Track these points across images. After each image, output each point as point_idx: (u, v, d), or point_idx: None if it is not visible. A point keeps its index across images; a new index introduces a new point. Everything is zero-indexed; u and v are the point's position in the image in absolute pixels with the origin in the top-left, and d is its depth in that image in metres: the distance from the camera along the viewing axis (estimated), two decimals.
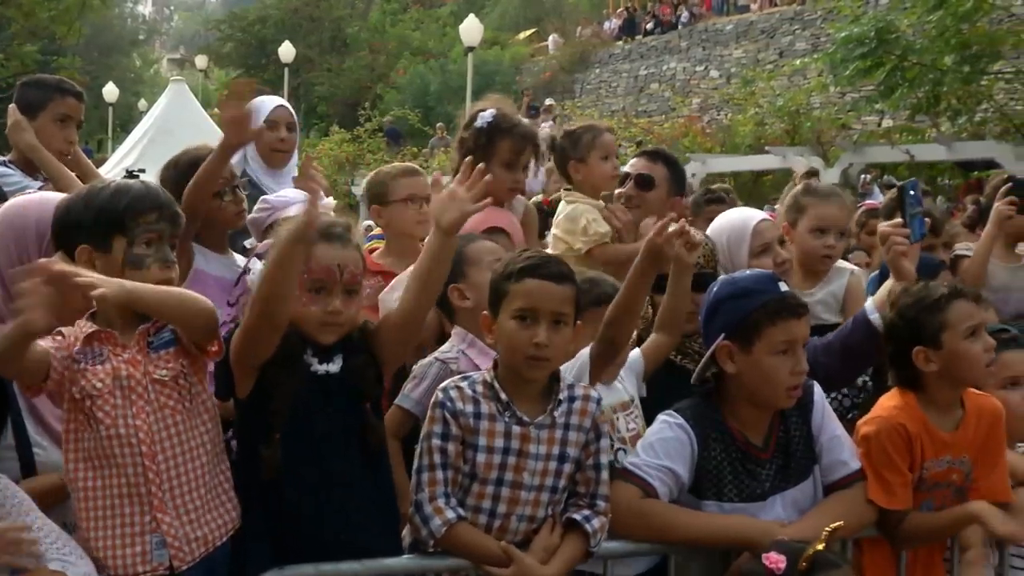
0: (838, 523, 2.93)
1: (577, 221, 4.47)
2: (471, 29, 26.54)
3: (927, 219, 4.10)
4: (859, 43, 15.35)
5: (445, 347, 3.51)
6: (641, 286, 3.23)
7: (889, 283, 3.57)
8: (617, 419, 3.34)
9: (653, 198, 4.63)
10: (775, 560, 2.78)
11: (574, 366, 3.30)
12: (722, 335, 3.15)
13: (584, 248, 4.41)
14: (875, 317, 3.50)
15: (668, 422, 3.17)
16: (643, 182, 4.67)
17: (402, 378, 3.50)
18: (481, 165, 3.05)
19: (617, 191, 4.72)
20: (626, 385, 3.47)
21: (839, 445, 3.25)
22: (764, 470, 3.18)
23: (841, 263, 4.43)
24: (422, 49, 38.40)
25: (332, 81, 39.66)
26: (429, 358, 3.49)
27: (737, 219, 4.19)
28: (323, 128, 33.52)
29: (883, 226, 3.66)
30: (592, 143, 4.62)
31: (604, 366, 3.28)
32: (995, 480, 3.40)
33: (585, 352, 3.46)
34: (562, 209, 4.61)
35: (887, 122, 20.01)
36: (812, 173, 6.79)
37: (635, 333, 3.41)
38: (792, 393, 3.15)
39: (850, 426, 3.43)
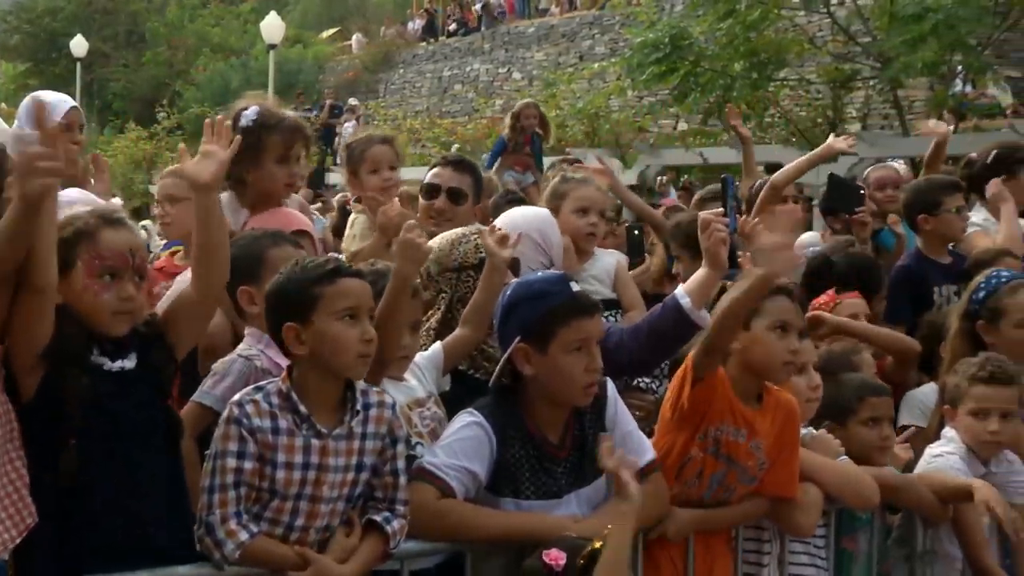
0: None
1: (349, 231, 4.59)
2: (272, 26, 26.17)
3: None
4: (654, 48, 15.78)
5: (243, 346, 3.46)
6: (400, 292, 3.26)
7: (704, 270, 3.62)
8: (412, 416, 3.34)
9: (463, 211, 4.65)
10: (555, 557, 2.84)
11: (427, 358, 3.36)
12: (518, 338, 3.21)
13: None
14: (686, 301, 3.56)
15: (468, 421, 3.20)
16: (455, 196, 4.66)
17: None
18: (220, 115, 3.03)
19: (423, 204, 4.70)
20: (423, 381, 3.49)
21: (632, 440, 3.33)
22: (560, 468, 3.23)
23: (605, 249, 4.69)
24: (223, 46, 37.56)
25: (128, 77, 38.41)
26: (231, 355, 3.42)
27: (541, 211, 4.31)
28: (118, 125, 32.46)
29: (705, 214, 3.72)
30: (361, 157, 4.66)
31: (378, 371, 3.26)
32: (785, 474, 3.54)
33: (438, 345, 3.55)
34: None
35: (682, 125, 20.61)
36: (571, 161, 7.00)
37: None
38: (589, 390, 3.21)
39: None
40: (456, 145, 20.73)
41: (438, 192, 4.65)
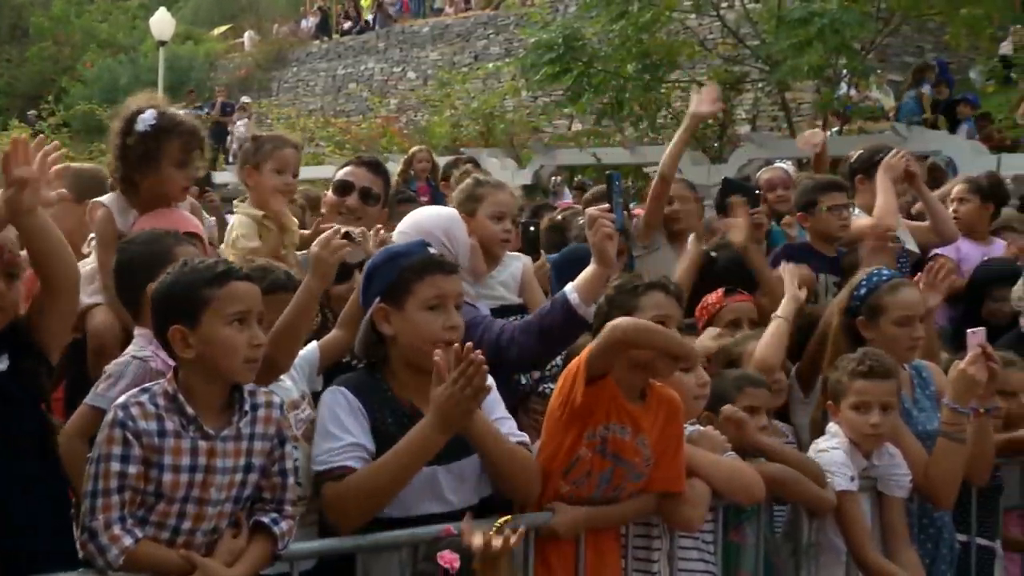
0: (507, 516, 3.04)
1: (230, 232, 4.50)
2: (162, 23, 25.69)
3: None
4: (548, 49, 15.90)
5: (135, 347, 3.39)
6: (308, 306, 3.25)
7: (592, 267, 3.67)
8: (289, 417, 3.30)
9: (373, 212, 4.64)
10: (449, 559, 2.84)
11: (303, 358, 3.37)
12: (377, 299, 3.28)
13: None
14: (574, 297, 3.60)
15: (331, 398, 3.22)
16: (367, 196, 4.64)
17: None
18: (23, 136, 2.98)
19: (334, 200, 4.68)
20: (297, 381, 3.48)
21: (503, 426, 3.36)
22: None
23: (512, 253, 4.66)
24: (110, 42, 36.81)
25: (11, 72, 37.39)
26: (124, 356, 3.36)
27: (445, 210, 4.32)
28: (1, 122, 31.59)
29: (592, 210, 3.77)
30: (271, 153, 4.60)
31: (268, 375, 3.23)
32: (672, 470, 3.57)
33: (314, 345, 3.54)
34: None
35: (576, 126, 20.75)
36: (470, 160, 7.02)
37: None
38: (444, 336, 3.21)
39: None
40: (348, 145, 20.58)
41: (351, 190, 4.65)
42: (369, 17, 31.70)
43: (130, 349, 3.41)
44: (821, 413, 4.23)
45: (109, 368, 3.34)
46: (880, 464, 4.09)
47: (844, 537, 4.01)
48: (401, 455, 3.10)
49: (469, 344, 3.09)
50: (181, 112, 4.34)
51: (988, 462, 4.32)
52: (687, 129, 5.59)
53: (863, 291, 4.34)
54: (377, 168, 4.80)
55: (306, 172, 7.82)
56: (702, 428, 3.82)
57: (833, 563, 4.08)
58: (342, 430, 3.17)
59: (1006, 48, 18.82)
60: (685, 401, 3.68)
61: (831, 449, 4.02)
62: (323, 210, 4.78)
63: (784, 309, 4.52)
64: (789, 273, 4.72)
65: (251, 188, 4.63)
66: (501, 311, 4.31)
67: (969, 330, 4.30)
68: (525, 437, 3.42)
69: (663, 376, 3.54)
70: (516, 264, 4.60)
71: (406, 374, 3.29)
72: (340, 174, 4.75)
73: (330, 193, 4.74)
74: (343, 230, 3.43)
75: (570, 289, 3.65)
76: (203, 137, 4.27)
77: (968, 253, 6.30)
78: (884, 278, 4.36)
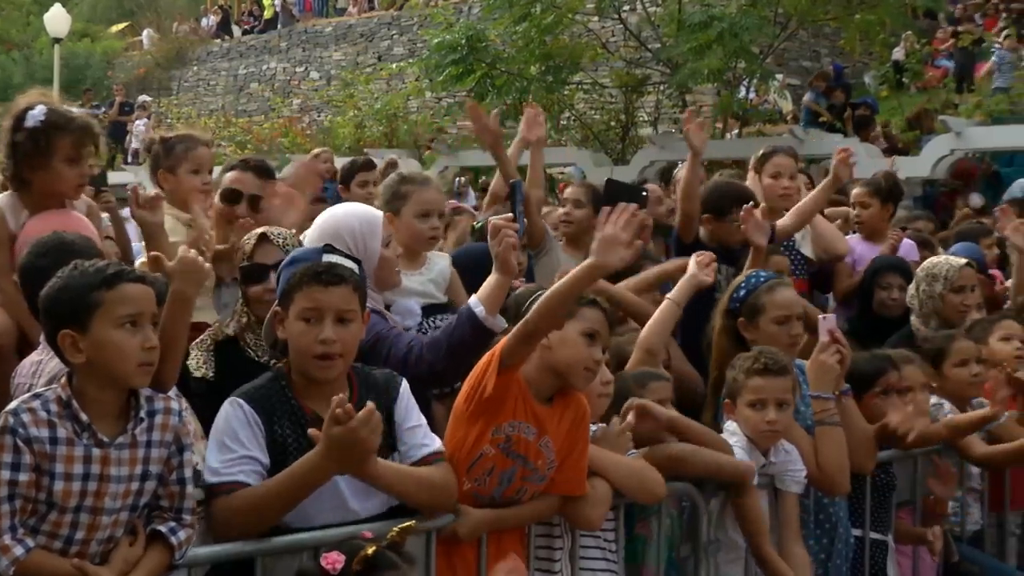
0: (409, 522, 3.03)
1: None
2: (57, 19, 25.16)
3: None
4: (451, 50, 15.88)
5: (37, 355, 3.31)
6: (180, 312, 3.19)
7: (494, 276, 3.66)
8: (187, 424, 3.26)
9: (262, 219, 4.56)
10: (333, 560, 2.81)
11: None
12: (276, 302, 3.31)
13: None
14: (480, 310, 3.59)
15: (229, 410, 3.16)
16: (257, 203, 4.60)
17: None
18: None
19: (222, 208, 4.62)
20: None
21: (416, 435, 3.31)
22: None
23: (436, 252, 4.61)
24: (2, 38, 35.91)
25: None
26: (29, 366, 3.28)
27: (366, 209, 4.24)
28: None
29: (495, 219, 3.74)
30: (184, 155, 4.53)
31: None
32: (575, 473, 3.59)
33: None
34: None
35: None
36: (392, 164, 7.00)
37: None
38: (320, 363, 3.17)
39: None
40: (250, 145, 20.35)
41: (239, 198, 4.58)
42: (276, 13, 31.37)
43: (34, 356, 3.34)
44: (711, 415, 4.32)
45: (20, 379, 3.28)
46: (777, 460, 4.16)
47: (742, 532, 4.08)
48: (290, 480, 3.05)
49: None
50: (74, 109, 4.26)
51: (866, 445, 4.41)
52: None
53: (742, 293, 4.43)
54: (264, 171, 4.75)
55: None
56: (605, 427, 3.84)
57: (733, 559, 4.15)
58: (236, 443, 3.11)
59: (899, 54, 19.29)
60: (590, 400, 3.71)
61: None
62: (211, 214, 4.68)
63: (677, 292, 4.54)
64: (696, 257, 4.70)
65: (168, 192, 4.54)
66: (431, 309, 4.31)
67: (820, 316, 4.44)
68: (438, 444, 3.36)
69: (580, 388, 3.58)
70: (443, 263, 4.54)
71: (302, 381, 3.25)
72: (227, 180, 4.67)
73: (218, 200, 4.67)
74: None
75: (475, 302, 3.64)
76: (97, 134, 4.20)
77: (863, 254, 6.46)
78: (762, 279, 4.48)
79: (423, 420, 3.38)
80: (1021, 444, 4.89)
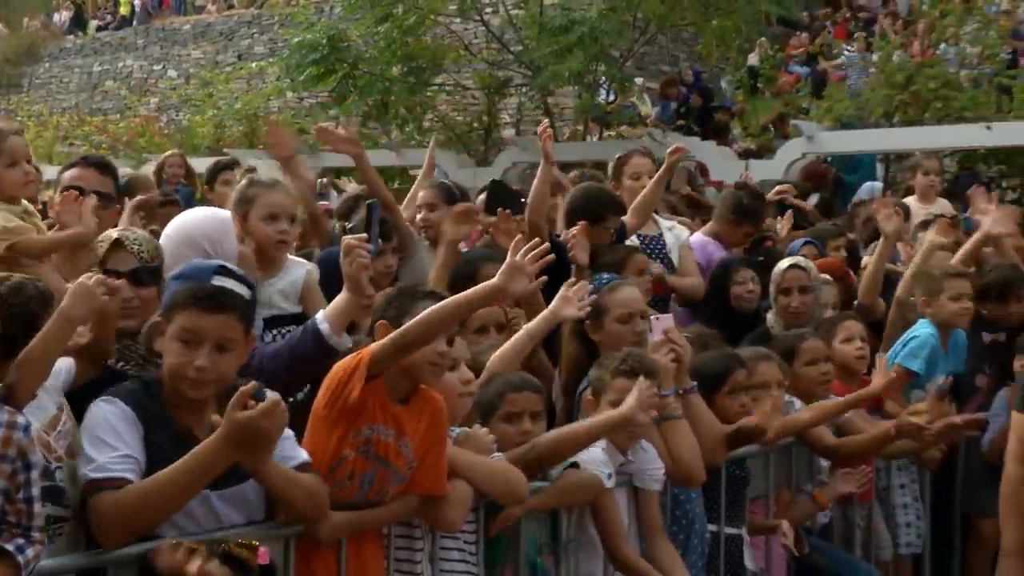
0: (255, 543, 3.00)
1: None
2: None
3: None
4: (312, 49, 15.75)
5: None
6: (63, 333, 3.12)
7: (344, 295, 3.68)
8: (49, 440, 3.15)
9: (109, 215, 4.51)
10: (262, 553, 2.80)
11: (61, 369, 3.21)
12: (158, 313, 3.27)
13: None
14: (325, 327, 3.60)
15: (104, 408, 3.09)
16: (102, 200, 4.46)
17: None
18: None
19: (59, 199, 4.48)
20: (50, 392, 3.27)
21: (283, 447, 3.24)
22: None
23: (297, 259, 4.55)
24: None
25: None
26: None
27: (215, 211, 4.22)
28: None
29: (349, 239, 3.75)
30: None
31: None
32: (434, 472, 3.59)
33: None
34: None
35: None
36: (251, 169, 6.91)
37: None
38: (191, 383, 3.13)
39: None
40: (105, 144, 19.83)
41: (82, 193, 4.43)
42: (133, 10, 30.61)
43: None
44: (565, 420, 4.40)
45: None
46: (636, 460, 4.23)
47: (599, 534, 4.12)
48: (185, 467, 2.98)
49: (276, 397, 3.01)
50: None
51: (715, 440, 4.51)
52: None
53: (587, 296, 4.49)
54: (105, 168, 4.68)
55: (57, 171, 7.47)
56: (468, 430, 3.85)
57: (592, 558, 4.19)
58: (117, 439, 3.03)
59: (753, 59, 19.74)
60: (450, 399, 3.70)
61: (590, 447, 4.13)
62: (51, 214, 4.52)
63: (534, 326, 4.39)
64: (563, 293, 4.41)
65: None
66: (274, 321, 4.24)
67: (653, 316, 4.55)
68: (306, 456, 3.31)
69: (432, 384, 3.57)
70: (299, 271, 4.42)
71: (175, 395, 3.18)
72: (67, 177, 4.56)
73: (58, 198, 4.53)
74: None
75: (321, 319, 3.65)
76: None
77: (714, 254, 6.62)
78: (604, 281, 4.59)
79: (291, 432, 3.31)
80: (868, 437, 5.09)
